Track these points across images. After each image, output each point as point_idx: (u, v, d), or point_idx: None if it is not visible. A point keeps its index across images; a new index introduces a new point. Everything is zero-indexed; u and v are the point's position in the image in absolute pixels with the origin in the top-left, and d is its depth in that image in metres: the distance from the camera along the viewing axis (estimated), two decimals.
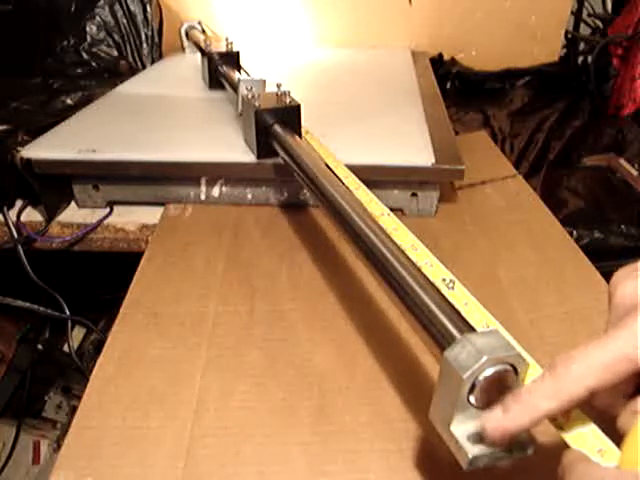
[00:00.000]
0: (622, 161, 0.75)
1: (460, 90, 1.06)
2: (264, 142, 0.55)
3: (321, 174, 0.43)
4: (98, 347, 0.91)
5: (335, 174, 0.46)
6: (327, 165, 0.46)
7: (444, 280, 0.31)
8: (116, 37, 1.04)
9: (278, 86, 0.57)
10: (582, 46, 1.12)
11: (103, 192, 0.61)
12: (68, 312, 0.61)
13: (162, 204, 0.61)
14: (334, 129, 0.53)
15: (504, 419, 0.22)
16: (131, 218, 0.60)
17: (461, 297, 0.29)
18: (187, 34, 1.00)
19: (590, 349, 0.22)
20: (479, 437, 0.23)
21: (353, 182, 0.44)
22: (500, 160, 0.74)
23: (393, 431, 0.36)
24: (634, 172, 0.72)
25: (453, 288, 0.30)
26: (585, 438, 0.22)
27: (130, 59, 1.04)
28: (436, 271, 0.31)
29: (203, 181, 0.60)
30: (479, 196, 0.64)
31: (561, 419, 0.23)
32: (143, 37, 1.05)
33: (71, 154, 0.57)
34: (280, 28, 1.11)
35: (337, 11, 1.09)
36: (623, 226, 0.63)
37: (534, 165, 0.77)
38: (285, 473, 0.34)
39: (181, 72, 0.92)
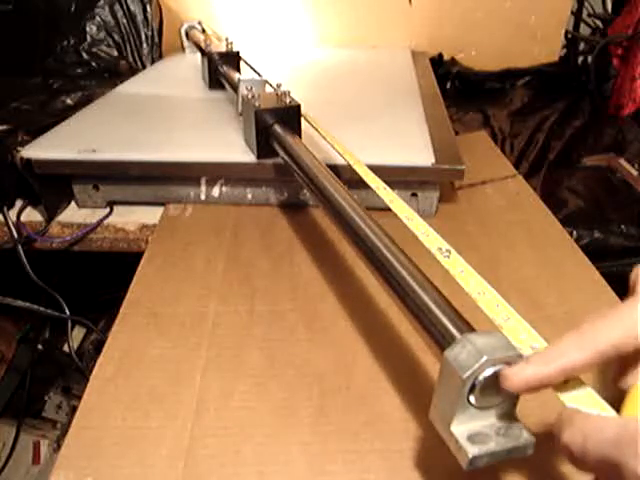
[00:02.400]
0: (622, 161, 0.75)
1: (460, 90, 1.06)
2: (264, 142, 0.55)
3: (321, 174, 0.43)
4: (98, 347, 0.91)
5: (334, 147, 0.47)
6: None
7: (440, 249, 0.31)
8: (116, 37, 1.04)
9: (278, 86, 0.57)
10: (582, 46, 1.12)
11: (103, 192, 0.61)
12: (68, 312, 0.61)
13: (162, 204, 0.61)
14: (334, 129, 0.53)
15: (527, 368, 0.23)
16: (131, 218, 0.60)
17: (457, 265, 0.30)
18: (187, 34, 1.01)
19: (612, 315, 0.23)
20: (479, 437, 0.23)
21: (351, 157, 0.44)
22: (500, 160, 0.74)
23: (393, 431, 0.36)
24: (634, 172, 0.72)
25: (449, 257, 0.31)
26: (583, 402, 0.22)
27: (130, 59, 1.04)
28: (432, 240, 0.32)
29: (203, 181, 0.60)
30: (479, 196, 0.64)
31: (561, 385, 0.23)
32: (143, 37, 1.05)
33: (71, 154, 0.57)
34: (280, 28, 1.11)
35: (337, 11, 1.09)
36: (623, 226, 0.63)
37: (534, 165, 0.77)
38: (285, 473, 0.34)
39: (181, 72, 0.92)
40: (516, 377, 0.22)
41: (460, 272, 0.30)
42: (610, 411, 0.21)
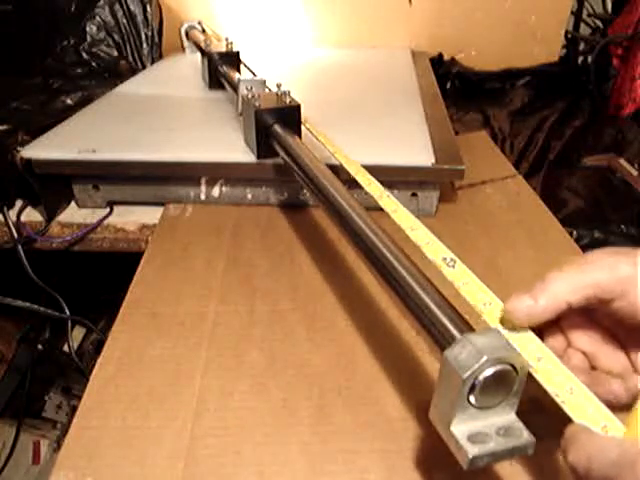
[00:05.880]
0: (622, 161, 0.75)
1: (460, 90, 1.06)
2: (264, 142, 0.55)
3: (321, 174, 0.43)
4: (98, 347, 0.91)
5: (336, 157, 0.46)
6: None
7: (444, 259, 0.30)
8: (116, 37, 1.04)
9: (278, 86, 0.57)
10: (582, 46, 1.12)
11: (103, 192, 0.61)
12: (68, 312, 0.61)
13: (162, 204, 0.61)
14: (334, 129, 0.53)
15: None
16: (131, 218, 0.60)
17: (461, 276, 0.29)
18: (187, 34, 1.00)
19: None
20: (479, 437, 0.23)
21: (353, 167, 0.44)
22: (500, 160, 0.74)
23: (393, 431, 0.36)
24: (634, 172, 0.72)
25: (454, 267, 0.30)
26: (589, 414, 0.22)
27: (130, 59, 1.04)
28: (436, 250, 0.31)
29: (203, 181, 0.60)
30: (479, 196, 0.64)
31: (566, 395, 0.23)
32: (143, 37, 1.04)
33: (71, 154, 0.57)
34: (280, 28, 1.11)
35: (337, 11, 1.09)
36: (623, 226, 0.63)
37: (534, 165, 0.77)
38: (285, 473, 0.34)
39: (181, 72, 0.92)
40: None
41: (465, 283, 0.29)
42: (618, 424, 0.21)
